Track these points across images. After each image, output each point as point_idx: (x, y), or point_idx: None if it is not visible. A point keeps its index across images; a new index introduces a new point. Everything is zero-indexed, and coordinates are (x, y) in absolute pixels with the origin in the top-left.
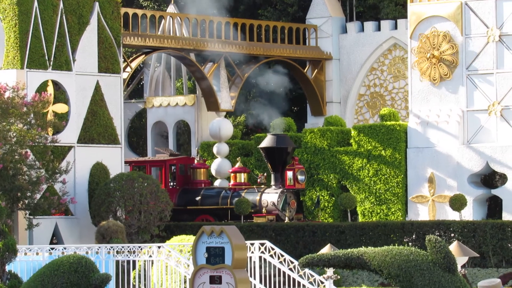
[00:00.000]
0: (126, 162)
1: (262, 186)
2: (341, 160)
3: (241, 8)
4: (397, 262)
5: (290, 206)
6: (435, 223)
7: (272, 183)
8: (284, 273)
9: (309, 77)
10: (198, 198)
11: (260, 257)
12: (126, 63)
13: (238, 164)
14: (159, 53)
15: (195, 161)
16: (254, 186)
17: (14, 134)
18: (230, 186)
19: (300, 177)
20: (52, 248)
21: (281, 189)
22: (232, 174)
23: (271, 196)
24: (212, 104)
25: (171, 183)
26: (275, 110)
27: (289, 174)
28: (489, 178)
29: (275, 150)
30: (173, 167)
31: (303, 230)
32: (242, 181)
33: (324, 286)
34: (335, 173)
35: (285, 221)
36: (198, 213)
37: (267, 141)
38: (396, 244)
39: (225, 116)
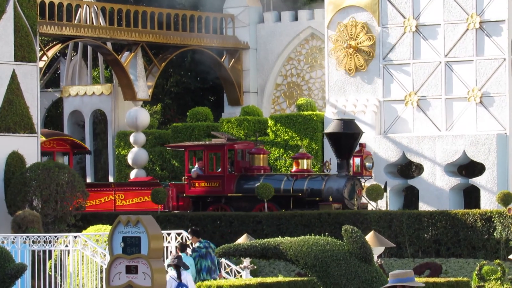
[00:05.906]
0: (180, 147)
1: (327, 173)
2: None
3: None
4: (313, 252)
5: (357, 194)
6: (351, 213)
7: (338, 170)
8: None
9: (226, 67)
10: (258, 185)
11: (176, 247)
12: (42, 52)
13: (301, 150)
14: (76, 42)
15: (255, 146)
16: (318, 173)
17: None
18: (292, 172)
19: (368, 164)
20: None
21: (347, 177)
22: (294, 161)
23: (336, 184)
24: (129, 93)
25: (229, 169)
26: (192, 99)
27: (357, 161)
28: (406, 168)
29: (342, 135)
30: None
31: (220, 220)
32: (305, 167)
33: (241, 276)
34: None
35: (353, 210)
36: (258, 201)
37: (333, 126)
38: (313, 234)
39: (142, 106)
